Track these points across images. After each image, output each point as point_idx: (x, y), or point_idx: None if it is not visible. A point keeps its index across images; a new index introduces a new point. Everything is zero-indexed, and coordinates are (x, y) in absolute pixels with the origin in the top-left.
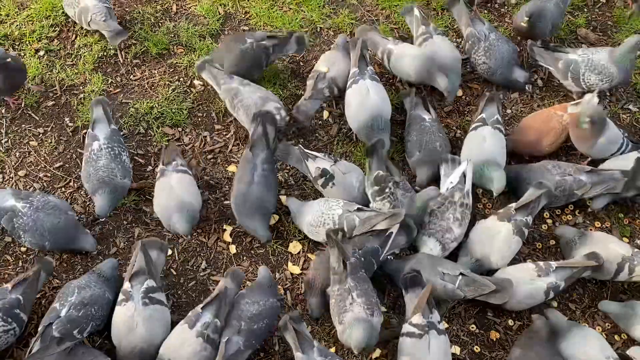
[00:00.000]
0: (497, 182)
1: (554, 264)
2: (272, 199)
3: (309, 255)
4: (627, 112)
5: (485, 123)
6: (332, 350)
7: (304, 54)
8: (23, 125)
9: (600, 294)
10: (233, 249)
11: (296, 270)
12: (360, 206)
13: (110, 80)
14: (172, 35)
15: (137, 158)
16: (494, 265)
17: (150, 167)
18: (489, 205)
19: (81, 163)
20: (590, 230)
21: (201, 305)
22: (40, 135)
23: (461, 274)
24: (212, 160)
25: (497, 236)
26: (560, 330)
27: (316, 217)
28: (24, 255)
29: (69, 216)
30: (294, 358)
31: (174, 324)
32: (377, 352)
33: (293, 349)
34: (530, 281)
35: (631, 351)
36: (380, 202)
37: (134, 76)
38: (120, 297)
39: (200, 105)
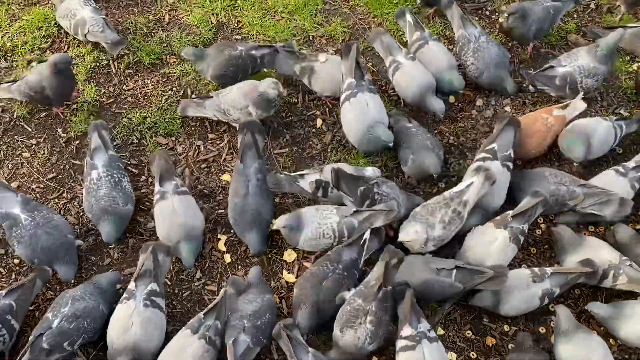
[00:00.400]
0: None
1: (549, 270)
2: (269, 208)
3: (304, 263)
4: (618, 116)
5: (496, 157)
6: None
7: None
8: (15, 137)
9: (595, 299)
10: (228, 258)
11: (291, 278)
12: (356, 209)
13: (103, 91)
14: (165, 45)
15: (130, 168)
16: None
17: (143, 177)
18: None
19: (74, 174)
20: (585, 234)
21: (203, 312)
22: (33, 146)
23: (456, 266)
24: (205, 169)
25: (493, 243)
26: (565, 331)
27: (313, 230)
28: (17, 267)
29: (67, 239)
30: None
31: (168, 335)
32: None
33: (288, 356)
34: (525, 287)
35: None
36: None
37: (126, 86)
38: (124, 295)
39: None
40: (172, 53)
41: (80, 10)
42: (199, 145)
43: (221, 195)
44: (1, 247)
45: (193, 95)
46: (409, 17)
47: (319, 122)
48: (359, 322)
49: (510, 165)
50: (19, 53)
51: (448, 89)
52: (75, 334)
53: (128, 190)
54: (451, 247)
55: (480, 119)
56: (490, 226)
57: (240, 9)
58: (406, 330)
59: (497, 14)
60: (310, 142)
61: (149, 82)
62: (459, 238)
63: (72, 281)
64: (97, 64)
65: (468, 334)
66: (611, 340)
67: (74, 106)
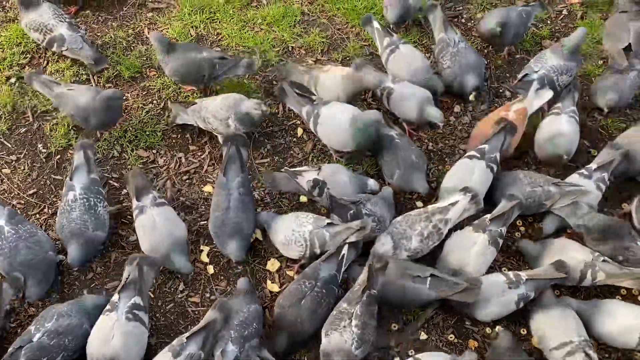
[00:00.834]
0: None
1: (524, 275)
2: (250, 221)
3: (288, 272)
4: (592, 120)
5: (483, 157)
6: None
7: (277, 74)
8: None
9: (574, 297)
10: (211, 269)
11: (275, 288)
12: (330, 221)
13: None
14: (145, 59)
15: (111, 182)
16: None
17: (125, 190)
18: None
19: (55, 189)
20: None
21: (186, 335)
22: (13, 162)
23: (431, 275)
24: (187, 181)
25: (472, 247)
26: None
27: (288, 234)
28: None
29: (47, 256)
30: None
31: (151, 347)
32: None
33: None
34: (501, 293)
35: None
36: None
37: None
38: (107, 307)
39: (175, 127)
40: (152, 66)
41: (57, 26)
42: (180, 157)
43: (203, 207)
44: None
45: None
46: (375, 24)
47: (299, 131)
48: (344, 325)
49: (495, 167)
50: None
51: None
52: (54, 350)
53: (102, 217)
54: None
55: (458, 125)
56: (469, 230)
57: (220, 22)
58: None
59: (472, 21)
60: (292, 152)
61: (129, 95)
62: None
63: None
64: (77, 78)
65: (451, 337)
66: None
67: (54, 121)
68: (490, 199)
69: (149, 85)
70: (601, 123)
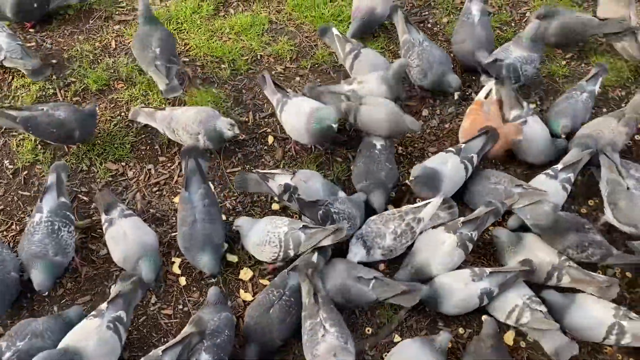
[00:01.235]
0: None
1: (488, 269)
2: (219, 232)
3: (261, 281)
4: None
5: (459, 154)
6: None
7: (246, 82)
8: None
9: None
10: (183, 280)
11: (248, 297)
12: (305, 223)
13: None
14: (112, 71)
15: (81, 196)
16: (433, 274)
17: (94, 204)
18: None
19: (23, 205)
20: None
21: (162, 348)
22: None
23: (375, 277)
24: (157, 192)
25: (440, 246)
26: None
27: (262, 236)
28: None
29: (9, 277)
30: None
31: None
32: None
33: None
34: (464, 286)
35: None
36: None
37: None
38: (93, 312)
39: (143, 138)
40: (120, 78)
41: None
42: (150, 169)
43: (174, 218)
44: None
45: (143, 105)
46: (335, 31)
47: (270, 139)
48: (322, 335)
49: (469, 166)
50: None
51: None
52: None
53: (64, 242)
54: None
55: (426, 128)
56: (441, 230)
57: (187, 32)
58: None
59: (438, 26)
60: (263, 160)
61: (97, 108)
62: None
63: None
64: (44, 92)
65: None
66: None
67: (21, 136)
68: (462, 197)
69: (117, 97)
70: None
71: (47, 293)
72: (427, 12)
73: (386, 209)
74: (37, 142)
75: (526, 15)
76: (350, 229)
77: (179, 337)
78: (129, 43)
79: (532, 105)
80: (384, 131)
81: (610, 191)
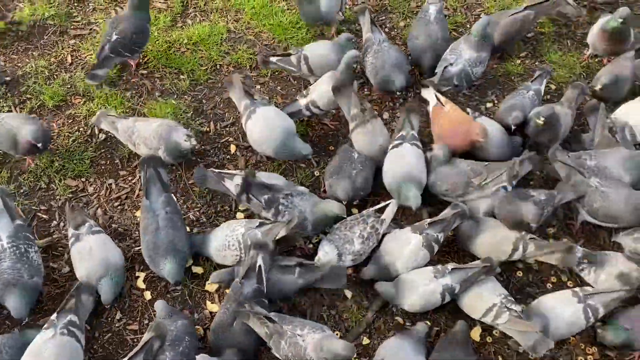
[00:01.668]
0: (413, 200)
1: (450, 266)
2: (183, 238)
3: (227, 291)
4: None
5: (405, 140)
6: None
7: (206, 92)
8: None
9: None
10: (148, 295)
11: (215, 308)
12: (261, 221)
13: None
14: (69, 86)
15: (40, 214)
16: (399, 272)
17: (55, 222)
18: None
19: None
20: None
21: (127, 358)
22: None
23: (298, 263)
24: (119, 207)
25: (406, 246)
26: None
27: (221, 241)
28: None
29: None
30: None
31: None
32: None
33: None
34: (427, 282)
35: None
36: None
37: None
38: (45, 325)
39: (103, 153)
40: (77, 93)
41: None
42: (111, 184)
43: (137, 233)
44: None
45: (112, 112)
46: (273, 59)
47: (232, 148)
48: (302, 340)
49: (419, 143)
50: None
51: (403, 202)
52: None
53: (35, 262)
54: None
55: (388, 131)
56: (408, 229)
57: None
58: None
59: (395, 30)
60: (226, 169)
61: (54, 124)
62: None
63: None
64: None
65: None
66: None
67: None
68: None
69: (75, 113)
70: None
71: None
72: (384, 17)
73: (350, 214)
74: None
75: (480, 16)
76: (304, 222)
77: (139, 345)
78: (85, 57)
79: (489, 105)
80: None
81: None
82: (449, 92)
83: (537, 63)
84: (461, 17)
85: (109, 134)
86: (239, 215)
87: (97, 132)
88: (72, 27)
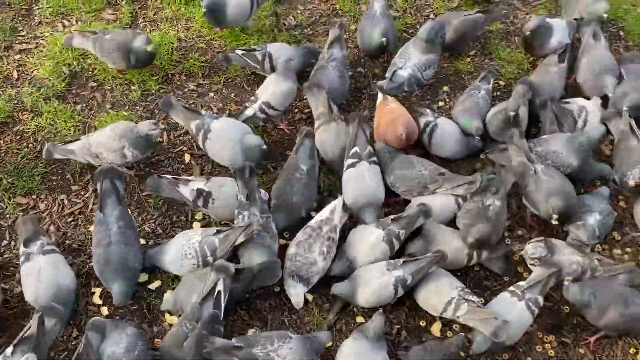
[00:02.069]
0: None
1: (402, 259)
2: (136, 254)
3: None
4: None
5: (361, 158)
6: None
7: (158, 102)
8: None
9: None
10: (105, 310)
11: (174, 320)
12: (219, 228)
13: None
14: (16, 102)
15: None
16: (360, 265)
17: (5, 242)
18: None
19: None
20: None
21: None
22: None
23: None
24: (72, 223)
25: (368, 239)
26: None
27: (177, 252)
28: None
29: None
30: None
31: None
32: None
33: None
34: (380, 276)
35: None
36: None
37: None
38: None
39: (54, 169)
40: (25, 109)
41: None
42: (63, 200)
43: (92, 248)
44: None
45: (57, 143)
46: (238, 52)
47: (187, 157)
48: (281, 351)
49: (375, 159)
50: None
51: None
52: None
53: None
54: None
55: None
56: (372, 225)
57: (94, 57)
58: None
59: (347, 33)
60: None
61: (1, 142)
62: None
63: None
64: None
65: None
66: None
67: None
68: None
69: (23, 129)
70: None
71: None
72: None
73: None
74: None
75: (430, 17)
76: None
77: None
78: (32, 72)
79: (441, 103)
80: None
81: (520, 175)
82: (400, 94)
83: (486, 60)
84: (411, 18)
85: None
86: (196, 225)
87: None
88: (17, 41)
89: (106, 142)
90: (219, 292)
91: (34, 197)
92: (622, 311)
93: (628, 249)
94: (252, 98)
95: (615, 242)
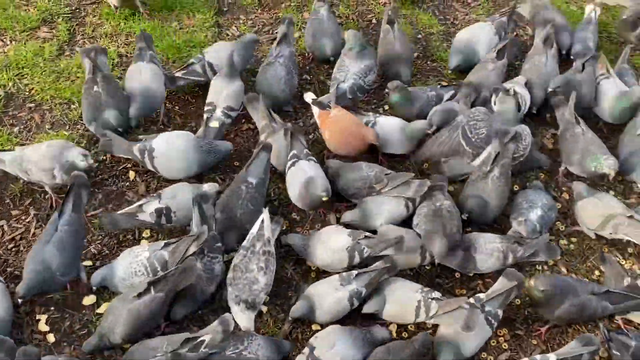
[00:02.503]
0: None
1: (354, 272)
2: (63, 264)
3: None
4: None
5: (299, 157)
6: None
7: None
8: None
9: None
10: (51, 337)
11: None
12: (166, 241)
13: None
14: None
15: None
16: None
17: None
18: None
19: None
20: None
21: None
22: None
23: (150, 282)
24: (14, 249)
25: (334, 240)
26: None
27: (126, 270)
28: None
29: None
30: None
31: None
32: None
33: None
34: (334, 291)
35: None
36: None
37: None
38: None
39: None
40: None
41: None
42: (2, 225)
43: None
44: None
45: None
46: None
47: (131, 174)
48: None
49: (313, 157)
50: None
51: None
52: None
53: None
54: None
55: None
56: (347, 231)
57: (30, 76)
58: None
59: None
60: (126, 197)
61: None
62: None
63: None
64: None
65: None
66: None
67: None
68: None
69: None
70: None
71: None
72: (277, 30)
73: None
74: None
75: (372, 22)
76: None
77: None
78: None
79: (387, 107)
80: None
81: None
82: (346, 103)
83: (428, 62)
84: (353, 24)
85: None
86: (144, 242)
87: None
88: None
89: (38, 159)
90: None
91: None
92: (574, 301)
93: (573, 239)
94: (209, 108)
95: (560, 232)
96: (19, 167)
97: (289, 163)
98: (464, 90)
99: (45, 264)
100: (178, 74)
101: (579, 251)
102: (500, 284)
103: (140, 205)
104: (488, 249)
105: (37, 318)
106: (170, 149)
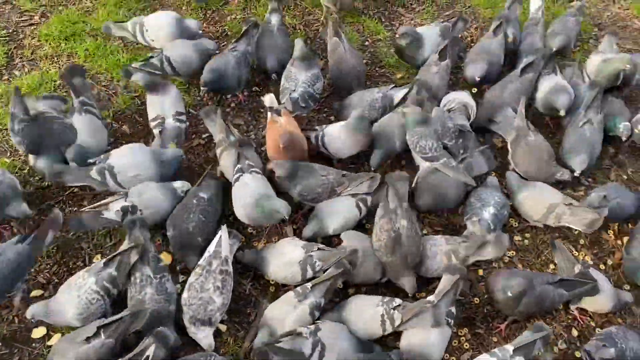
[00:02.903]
0: (284, 209)
1: (309, 285)
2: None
3: None
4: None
5: (243, 171)
6: None
7: None
8: None
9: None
10: None
11: None
12: (104, 260)
13: None
14: None
15: None
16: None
17: None
18: None
19: None
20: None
21: None
22: None
23: (100, 327)
24: None
25: (287, 254)
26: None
27: (78, 304)
28: None
29: None
30: None
31: None
32: None
33: None
34: (293, 309)
35: None
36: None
37: None
38: None
39: None
40: None
41: None
42: None
43: None
44: None
45: None
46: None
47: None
48: None
49: (257, 169)
50: None
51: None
52: None
53: None
54: None
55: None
56: (302, 244)
57: None
58: None
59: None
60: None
61: None
62: None
63: None
64: None
65: None
66: None
67: None
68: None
69: None
70: None
71: None
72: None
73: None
74: None
75: (319, 31)
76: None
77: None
78: None
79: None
80: None
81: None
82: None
83: (376, 69)
84: (301, 34)
85: None
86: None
87: None
88: None
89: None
90: (148, 357)
91: None
92: (532, 294)
93: (527, 234)
94: (158, 121)
95: (513, 229)
96: None
97: (234, 178)
98: (415, 93)
99: None
100: (135, 65)
101: (533, 246)
102: (445, 281)
103: (107, 204)
104: (434, 252)
105: None
106: (130, 162)
